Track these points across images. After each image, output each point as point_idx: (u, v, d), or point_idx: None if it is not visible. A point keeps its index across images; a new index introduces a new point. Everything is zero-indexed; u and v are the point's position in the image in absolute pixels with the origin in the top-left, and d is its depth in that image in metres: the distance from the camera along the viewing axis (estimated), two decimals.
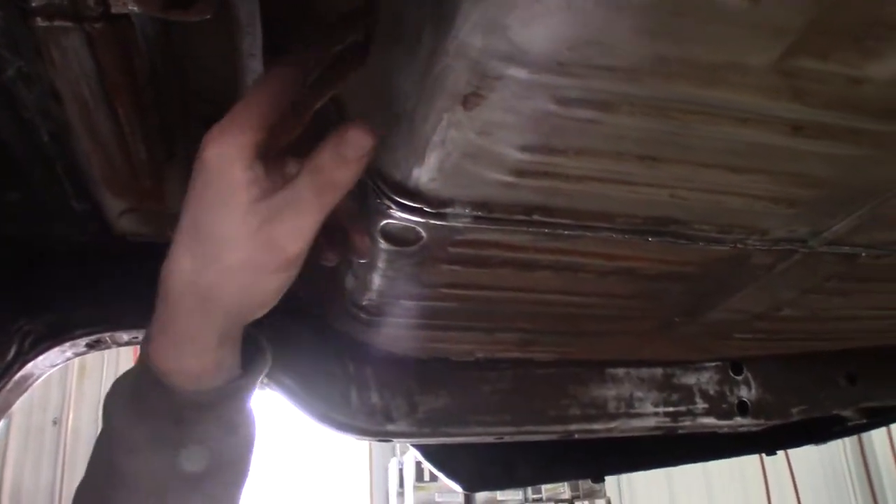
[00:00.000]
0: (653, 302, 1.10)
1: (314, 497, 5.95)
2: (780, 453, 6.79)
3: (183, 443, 0.71)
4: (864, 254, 1.00)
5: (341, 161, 0.65)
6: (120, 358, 5.65)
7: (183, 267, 0.68)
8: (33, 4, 0.68)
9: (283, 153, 0.69)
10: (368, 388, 1.35)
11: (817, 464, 7.41)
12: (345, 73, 0.72)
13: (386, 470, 5.88)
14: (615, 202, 0.79)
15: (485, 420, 1.39)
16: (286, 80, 0.66)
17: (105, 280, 1.33)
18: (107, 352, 4.99)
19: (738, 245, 0.92)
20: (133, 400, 0.72)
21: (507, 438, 1.43)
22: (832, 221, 0.89)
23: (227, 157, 0.63)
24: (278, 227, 0.66)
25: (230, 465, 0.76)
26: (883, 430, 6.97)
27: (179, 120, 0.92)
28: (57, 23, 0.70)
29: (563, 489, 5.71)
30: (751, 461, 7.01)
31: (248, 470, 0.78)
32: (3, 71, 0.85)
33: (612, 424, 1.46)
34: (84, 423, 5.51)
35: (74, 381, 5.53)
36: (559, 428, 1.44)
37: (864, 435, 7.28)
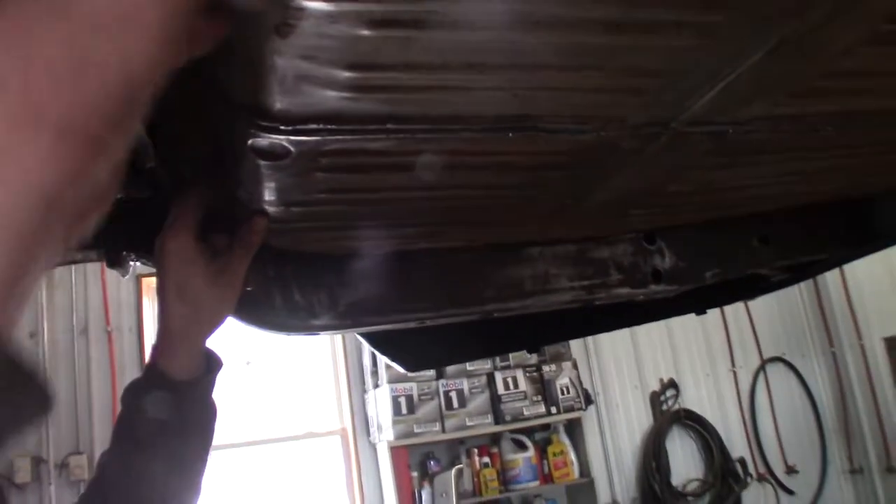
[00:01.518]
0: (537, 189, 1.14)
1: (290, 382, 6.12)
2: (741, 306, 7.00)
3: (178, 410, 1.09)
4: (730, 130, 1.04)
5: (254, 233, 1.13)
6: (87, 268, 5.69)
7: (171, 308, 1.11)
8: None
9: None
10: (290, 287, 1.40)
11: (775, 309, 7.68)
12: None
13: (360, 351, 6.04)
14: (463, 105, 0.82)
15: (404, 307, 1.46)
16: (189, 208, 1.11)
17: None
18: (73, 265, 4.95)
19: (601, 133, 0.96)
20: (143, 388, 1.11)
21: (428, 322, 1.50)
22: (686, 105, 0.93)
23: (182, 245, 1.10)
24: (227, 280, 1.13)
25: (200, 432, 1.15)
26: (837, 273, 7.22)
27: None
28: None
29: (530, 355, 5.91)
30: (712, 315, 7.26)
31: (212, 436, 1.16)
32: None
33: (528, 301, 1.53)
34: (60, 334, 5.59)
35: (44, 292, 5.58)
36: (477, 309, 1.50)
37: (820, 280, 7.53)
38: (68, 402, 5.47)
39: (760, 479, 7.16)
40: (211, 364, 1.17)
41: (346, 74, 0.71)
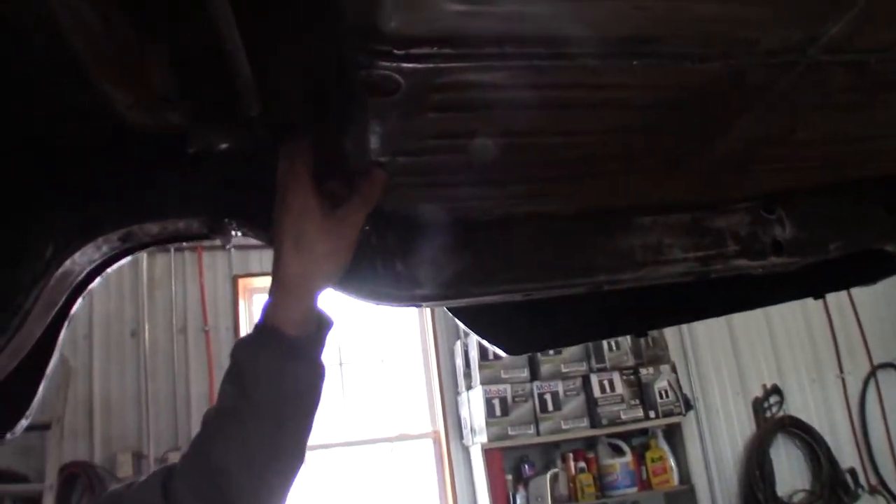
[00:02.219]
0: (654, 135, 1.07)
1: (383, 384, 6.13)
2: (843, 294, 6.73)
3: (290, 369, 1.09)
4: (873, 59, 0.96)
5: (373, 186, 1.12)
6: (186, 270, 5.82)
7: (287, 260, 1.10)
8: None
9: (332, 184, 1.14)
10: (393, 256, 1.36)
11: (885, 311, 7.31)
12: None
13: (452, 353, 6.00)
14: (583, 23, 0.77)
15: (510, 277, 1.40)
16: (301, 165, 1.10)
17: (125, 174, 1.35)
18: (173, 263, 5.12)
19: (730, 61, 0.88)
20: (255, 343, 1.10)
21: (534, 294, 1.44)
22: (826, 24, 0.85)
23: (301, 202, 1.09)
24: (342, 228, 1.12)
25: (311, 391, 1.13)
26: None
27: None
28: None
29: (627, 357, 5.76)
30: (815, 310, 6.97)
31: (320, 397, 1.14)
32: None
33: (641, 273, 1.46)
34: (160, 332, 5.73)
35: (146, 292, 5.73)
36: (586, 280, 1.43)
37: None
38: (167, 399, 5.61)
39: (873, 491, 6.80)
40: (322, 323, 1.16)
41: None
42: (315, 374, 1.13)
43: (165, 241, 1.50)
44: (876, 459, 6.89)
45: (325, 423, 5.75)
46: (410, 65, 0.81)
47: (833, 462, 6.61)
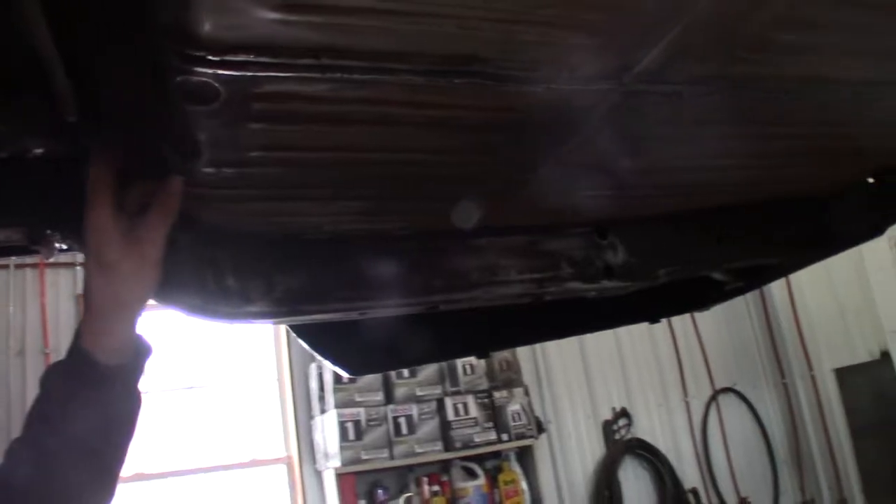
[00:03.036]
0: (483, 156, 1.08)
1: (235, 408, 5.96)
2: (688, 319, 7.06)
3: (101, 399, 1.04)
4: (685, 92, 1.00)
5: (169, 196, 1.06)
6: (26, 286, 5.49)
7: (93, 282, 1.06)
8: None
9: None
10: (224, 270, 1.32)
11: (727, 340, 7.72)
12: None
13: (306, 375, 5.90)
14: (404, 39, 0.76)
15: (345, 296, 1.38)
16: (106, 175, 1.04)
17: None
18: (12, 280, 4.76)
19: (551, 86, 0.90)
20: (65, 370, 1.04)
21: (370, 313, 1.43)
22: (640, 53, 0.88)
23: (100, 220, 1.03)
24: (145, 246, 1.06)
25: (124, 422, 1.08)
26: (787, 304, 7.29)
27: None
28: None
29: (482, 380, 5.81)
30: (662, 336, 7.28)
31: (135, 427, 1.09)
32: None
33: (476, 293, 1.47)
34: None
35: None
36: (422, 299, 1.43)
37: (771, 310, 7.60)
38: (1, 428, 5.24)
39: None
40: (140, 349, 1.11)
41: None
42: (130, 404, 1.08)
43: None
44: (716, 480, 7.22)
45: (175, 450, 5.53)
46: (228, 72, 0.79)
47: (677, 482, 6.87)
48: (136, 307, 1.09)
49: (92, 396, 1.02)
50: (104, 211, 1.03)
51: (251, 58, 0.77)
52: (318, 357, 1.92)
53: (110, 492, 1.06)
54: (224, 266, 1.31)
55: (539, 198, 1.33)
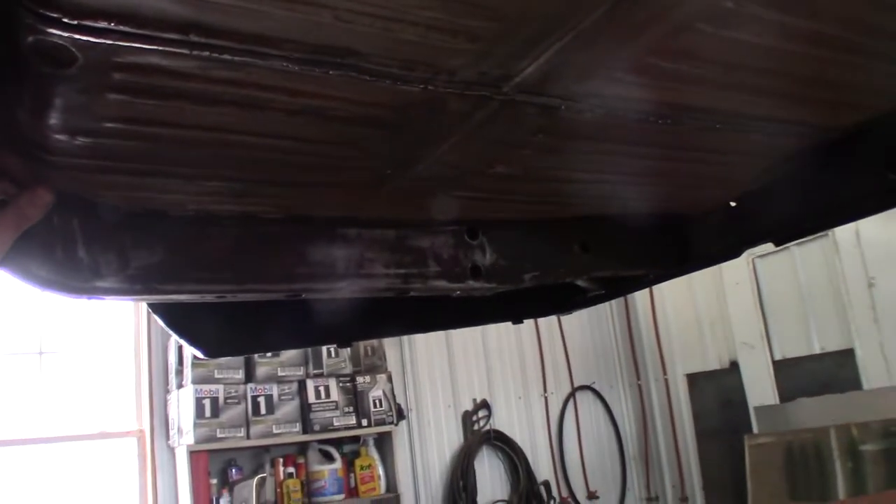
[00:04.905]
0: (356, 149, 1.06)
1: (86, 378, 5.71)
2: (553, 318, 7.23)
3: None
4: (562, 106, 1.00)
5: (32, 205, 1.05)
6: None
7: None
8: None
9: None
10: (74, 241, 1.24)
11: (589, 339, 7.97)
12: None
13: (165, 348, 5.72)
14: (278, 24, 0.73)
15: (203, 277, 1.33)
16: None
17: None
18: None
19: (429, 87, 0.89)
20: None
21: (229, 297, 1.38)
22: (522, 63, 0.88)
23: None
24: None
25: None
26: (648, 309, 7.58)
27: None
28: None
29: (345, 364, 5.78)
30: (527, 333, 7.44)
31: None
32: None
33: (341, 284, 1.44)
34: None
35: None
36: (284, 286, 1.40)
37: (632, 314, 7.88)
38: None
39: (563, 502, 7.33)
40: None
41: None
42: None
43: None
44: (568, 474, 7.45)
45: (18, 416, 5.25)
46: (86, 38, 0.74)
47: (530, 474, 7.05)
48: None
49: None
50: None
51: (112, 25, 0.73)
52: (174, 335, 1.86)
53: None
54: (75, 237, 1.24)
55: (409, 194, 1.32)
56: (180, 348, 5.43)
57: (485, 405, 7.19)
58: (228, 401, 5.23)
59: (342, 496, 5.64)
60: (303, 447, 5.71)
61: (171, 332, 1.85)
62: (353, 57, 0.81)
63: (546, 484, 7.21)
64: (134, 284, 1.28)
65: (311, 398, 5.54)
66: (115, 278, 1.27)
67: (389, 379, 6.06)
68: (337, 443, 5.77)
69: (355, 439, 5.92)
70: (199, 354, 1.91)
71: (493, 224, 1.63)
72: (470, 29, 0.78)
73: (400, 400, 6.38)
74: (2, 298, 5.27)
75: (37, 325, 5.49)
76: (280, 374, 5.46)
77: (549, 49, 0.86)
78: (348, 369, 5.80)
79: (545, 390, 7.65)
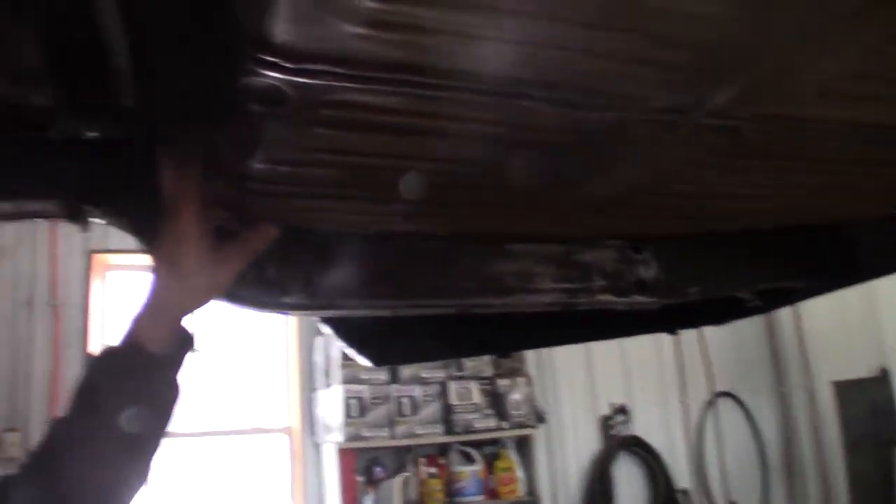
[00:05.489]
0: (535, 172, 1.08)
1: (241, 376, 5.99)
2: (693, 333, 7.05)
3: (147, 385, 1.07)
4: (745, 127, 0.99)
5: (261, 239, 1.18)
6: (37, 240, 5.49)
7: (161, 282, 1.10)
8: None
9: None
10: (265, 261, 1.33)
11: (728, 344, 7.71)
12: None
13: (312, 348, 5.92)
14: (480, 59, 0.76)
15: (380, 293, 1.39)
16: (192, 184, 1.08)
17: None
18: (23, 231, 4.81)
19: (618, 114, 0.90)
20: (114, 357, 1.08)
21: (402, 312, 1.44)
22: (715, 90, 0.88)
23: (186, 228, 1.08)
24: (221, 269, 1.14)
25: (164, 411, 1.11)
26: (791, 314, 7.28)
27: None
28: None
29: (486, 367, 5.83)
30: (665, 337, 7.27)
31: (172, 416, 1.12)
32: None
33: (509, 299, 1.47)
34: (2, 304, 5.40)
35: None
36: (455, 301, 1.44)
37: (774, 319, 7.58)
38: (7, 377, 5.27)
39: None
40: (184, 341, 1.15)
41: (368, 4, 0.64)
42: (171, 394, 1.12)
43: (18, 219, 1.42)
44: (708, 482, 7.25)
45: (181, 413, 5.55)
46: (300, 79, 0.79)
47: (669, 482, 6.90)
48: (194, 310, 1.15)
49: (138, 382, 1.06)
50: (192, 221, 1.08)
51: (326, 68, 0.77)
52: (342, 344, 1.94)
53: (145, 478, 1.08)
54: (266, 258, 1.32)
55: (579, 212, 1.33)
56: (326, 349, 5.61)
57: (623, 410, 7.09)
58: (374, 401, 5.37)
59: (482, 497, 5.69)
60: (444, 448, 5.79)
61: (339, 339, 1.93)
62: (548, 88, 0.83)
63: (685, 492, 7.04)
64: (316, 300, 1.36)
65: (454, 400, 5.61)
66: (299, 295, 1.35)
67: (529, 382, 6.07)
68: (477, 444, 5.83)
69: (495, 441, 5.96)
70: (366, 363, 1.98)
71: (657, 238, 1.63)
72: (666, 60, 0.79)
73: (539, 403, 6.38)
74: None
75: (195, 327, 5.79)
76: (423, 375, 5.56)
77: (742, 77, 0.85)
78: (489, 371, 5.84)
79: (684, 395, 7.47)
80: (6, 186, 1.27)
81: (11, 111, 1.13)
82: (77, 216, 1.30)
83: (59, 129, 1.04)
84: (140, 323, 1.09)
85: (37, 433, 5.16)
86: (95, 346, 5.59)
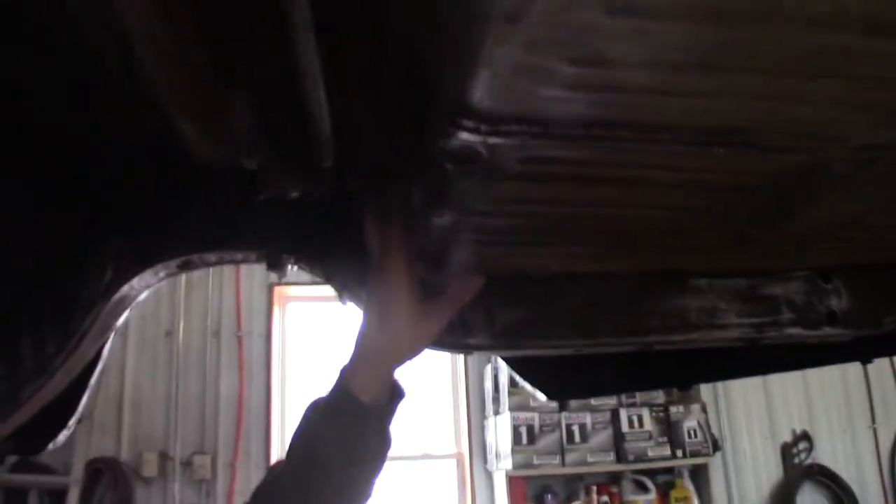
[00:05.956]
0: (726, 214, 1.06)
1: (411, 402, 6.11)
2: (885, 360, 6.63)
3: (360, 436, 1.11)
4: None
5: (467, 291, 1.22)
6: (223, 274, 5.87)
7: (372, 334, 1.16)
8: None
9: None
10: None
11: None
12: None
13: (482, 376, 5.98)
14: (677, 113, 0.76)
15: (562, 332, 1.40)
16: (400, 241, 1.13)
17: (189, 204, 1.37)
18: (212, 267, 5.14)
19: (817, 154, 0.87)
20: (329, 407, 1.13)
21: (585, 350, 1.43)
22: None
23: (398, 282, 1.14)
24: (429, 321, 1.18)
25: (377, 460, 1.14)
26: None
27: (241, 43, 0.92)
28: None
29: (658, 394, 5.70)
30: (853, 367, 6.86)
31: (383, 466, 1.16)
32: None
33: (693, 336, 1.44)
34: (194, 334, 5.78)
35: (183, 294, 5.79)
36: (638, 339, 1.42)
37: None
38: (196, 402, 5.64)
39: None
40: (395, 392, 1.20)
41: (568, 70, 0.66)
42: (383, 444, 1.15)
43: (220, 265, 1.52)
44: None
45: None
46: (494, 139, 0.81)
47: None
48: (403, 362, 1.20)
49: (353, 435, 1.11)
50: (400, 275, 1.14)
51: (521, 128, 0.79)
52: (518, 378, 1.96)
53: None
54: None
55: (768, 249, 1.29)
56: (496, 376, 5.65)
57: (805, 437, 6.74)
58: (544, 428, 5.36)
59: None
60: (615, 476, 5.70)
61: (517, 377, 1.95)
62: (744, 135, 0.82)
63: None
64: (500, 340, 1.38)
65: (625, 427, 5.52)
66: (483, 335, 1.37)
67: (704, 409, 5.89)
68: (650, 473, 5.69)
69: (669, 470, 5.81)
70: (543, 397, 1.99)
71: (846, 267, 1.55)
72: (871, 100, 0.76)
73: (714, 430, 6.16)
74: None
75: None
76: (593, 402, 5.51)
77: None
78: (661, 399, 5.71)
79: (873, 421, 7.01)
80: (213, 239, 1.38)
81: (222, 172, 1.23)
82: (276, 265, 1.38)
83: (266, 193, 1.11)
84: (350, 374, 1.14)
85: (224, 456, 5.49)
86: (278, 374, 5.89)
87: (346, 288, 1.36)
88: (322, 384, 1.21)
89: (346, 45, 0.88)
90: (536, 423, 5.34)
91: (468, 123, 0.79)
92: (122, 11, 0.79)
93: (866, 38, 0.63)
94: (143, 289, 1.42)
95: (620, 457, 5.49)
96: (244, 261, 1.46)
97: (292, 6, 0.73)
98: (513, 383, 5.40)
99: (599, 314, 1.41)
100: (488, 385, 5.80)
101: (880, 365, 6.99)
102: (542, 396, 1.98)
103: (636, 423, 5.54)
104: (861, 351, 2.06)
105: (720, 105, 0.75)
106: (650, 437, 5.57)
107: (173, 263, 1.39)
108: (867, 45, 0.64)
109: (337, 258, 1.35)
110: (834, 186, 0.99)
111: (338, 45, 0.86)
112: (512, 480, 5.39)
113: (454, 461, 6.04)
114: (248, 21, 0.87)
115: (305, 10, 0.74)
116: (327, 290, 1.40)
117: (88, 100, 1.10)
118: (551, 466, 5.38)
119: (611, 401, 5.55)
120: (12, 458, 5.06)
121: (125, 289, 1.36)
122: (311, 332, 6.17)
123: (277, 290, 5.91)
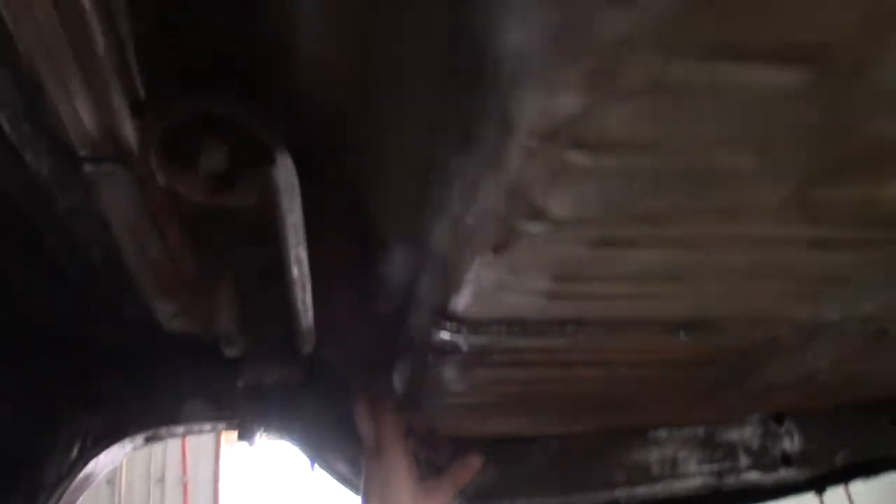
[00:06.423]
0: (688, 383, 1.12)
1: None
2: (840, 489, 6.63)
3: None
4: (892, 328, 1.02)
5: (468, 471, 1.27)
6: None
7: None
8: (81, 153, 0.72)
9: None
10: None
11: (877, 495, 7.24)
12: None
13: None
14: (645, 311, 0.82)
15: (531, 491, 1.42)
16: (394, 425, 1.22)
17: (157, 378, 1.38)
18: None
19: (770, 332, 0.94)
20: None
21: None
22: (861, 305, 0.91)
23: (397, 467, 1.18)
24: (432, 499, 1.20)
25: None
26: None
27: (225, 243, 0.97)
28: (103, 167, 0.74)
29: None
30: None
31: None
32: (55, 206, 0.91)
33: (657, 487, 1.48)
34: (136, 480, 5.59)
35: None
36: (605, 494, 1.46)
37: None
38: None
39: None
40: None
41: (548, 285, 0.72)
42: None
43: (189, 434, 1.51)
44: None
45: None
46: (475, 336, 0.86)
47: None
48: None
49: None
50: (401, 456, 1.19)
51: (500, 328, 0.85)
52: None
53: None
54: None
55: (725, 400, 1.35)
56: None
57: None
58: None
59: None
60: None
61: None
62: (706, 324, 0.89)
63: None
64: (472, 501, 1.40)
65: None
66: (459, 498, 1.39)
67: None
68: None
69: None
70: None
71: (798, 409, 1.62)
72: (816, 292, 0.84)
73: None
74: None
75: None
76: None
77: (889, 291, 0.89)
78: None
79: None
80: (182, 412, 1.38)
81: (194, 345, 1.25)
82: (247, 435, 1.39)
83: (245, 381, 1.13)
84: None
85: None
86: None
87: (318, 456, 1.37)
88: None
89: (333, 252, 0.93)
90: None
91: (451, 325, 0.84)
92: (112, 221, 0.83)
93: (808, 252, 0.70)
94: (109, 463, 1.41)
95: None
96: (212, 430, 1.47)
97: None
98: None
99: (566, 471, 1.44)
100: None
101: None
102: None
103: None
104: (814, 483, 2.12)
105: (683, 303, 0.81)
106: None
107: (140, 437, 1.39)
108: (808, 257, 0.71)
109: (308, 428, 1.37)
110: (787, 355, 1.06)
111: (324, 252, 0.91)
112: None
113: None
114: (237, 228, 0.92)
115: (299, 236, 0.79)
116: None
117: (70, 291, 1.13)
118: None
119: None
120: None
121: (91, 465, 1.35)
122: (260, 474, 6.02)
123: (225, 434, 5.77)
